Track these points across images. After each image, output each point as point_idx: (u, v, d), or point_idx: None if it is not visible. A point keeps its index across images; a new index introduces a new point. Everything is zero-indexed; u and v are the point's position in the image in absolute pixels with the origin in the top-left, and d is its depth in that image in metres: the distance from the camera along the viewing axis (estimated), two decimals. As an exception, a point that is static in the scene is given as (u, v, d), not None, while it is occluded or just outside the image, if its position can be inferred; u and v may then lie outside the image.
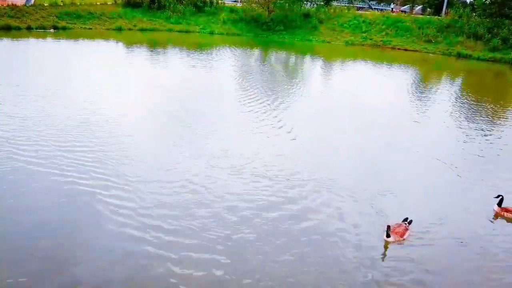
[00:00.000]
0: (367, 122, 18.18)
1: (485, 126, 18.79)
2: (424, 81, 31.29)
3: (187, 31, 50.69)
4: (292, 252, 8.58)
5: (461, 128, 18.47)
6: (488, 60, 42.28)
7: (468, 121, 19.62)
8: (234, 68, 30.34)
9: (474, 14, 49.21)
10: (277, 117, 17.73)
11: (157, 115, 16.97)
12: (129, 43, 39.37)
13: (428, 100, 23.83)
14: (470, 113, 21.39)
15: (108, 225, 9.01)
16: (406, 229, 9.25)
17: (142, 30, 48.95)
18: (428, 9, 66.47)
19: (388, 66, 37.24)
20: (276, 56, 39.07)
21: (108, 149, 12.94)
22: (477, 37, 45.56)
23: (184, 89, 21.97)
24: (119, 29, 47.78)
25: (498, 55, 42.61)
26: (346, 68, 34.93)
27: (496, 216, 10.59)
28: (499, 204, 10.65)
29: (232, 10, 55.98)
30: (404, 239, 9.09)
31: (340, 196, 10.99)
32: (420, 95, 25.30)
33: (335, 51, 45.42)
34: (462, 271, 8.46)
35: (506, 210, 10.53)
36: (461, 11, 49.77)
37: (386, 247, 8.93)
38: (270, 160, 13.04)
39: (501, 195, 10.67)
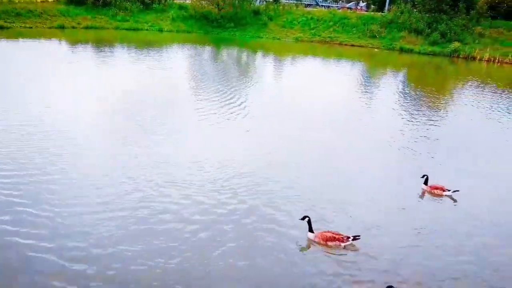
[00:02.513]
0: (320, 116, 18.71)
1: (427, 113, 19.95)
2: (371, 74, 32.60)
3: (135, 29, 49.42)
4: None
5: (405, 115, 19.48)
6: (428, 54, 44.69)
7: (411, 109, 20.72)
8: (185, 65, 30.06)
9: (414, 10, 51.79)
10: (232, 115, 17.77)
11: (104, 118, 16.46)
12: (73, 42, 37.78)
13: (374, 92, 24.90)
14: (413, 102, 22.60)
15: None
16: (338, 240, 8.69)
17: (86, 28, 47.11)
18: (372, 6, 69.10)
19: (337, 61, 38.42)
20: (228, 53, 39.09)
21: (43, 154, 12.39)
22: (417, 32, 47.99)
23: (134, 90, 21.43)
24: (62, 27, 45.68)
25: (437, 48, 45.14)
26: (297, 64, 35.64)
27: (424, 194, 11.40)
28: (425, 182, 11.43)
29: (181, 7, 55.20)
30: (327, 245, 8.72)
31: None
32: (366, 87, 26.36)
33: (285, 47, 46.14)
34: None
35: (435, 187, 11.34)
36: (403, 7, 52.20)
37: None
38: (224, 159, 13.10)
39: (426, 175, 11.47)
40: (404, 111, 20.81)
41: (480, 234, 9.69)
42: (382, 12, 59.12)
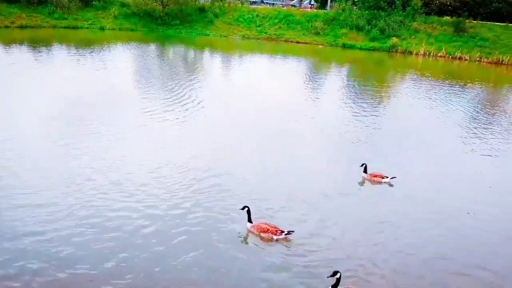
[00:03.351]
0: (268, 111, 19.03)
1: (370, 105, 20.94)
2: (316, 70, 33.54)
3: (74, 27, 47.22)
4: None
5: (349, 107, 20.32)
6: (369, 49, 46.66)
7: (354, 102, 21.64)
8: (131, 65, 29.26)
9: (355, 7, 53.79)
10: (179, 114, 17.65)
11: (44, 122, 15.70)
12: (7, 43, 35.42)
13: (320, 87, 25.70)
14: (357, 95, 23.59)
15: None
16: (271, 232, 8.95)
17: (21, 27, 44.30)
18: (315, 3, 70.85)
19: (283, 58, 39.09)
20: (175, 51, 38.47)
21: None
22: (358, 28, 49.95)
23: (75, 91, 20.59)
24: (-7, 26, 42.69)
25: (377, 44, 47.24)
26: (245, 61, 35.84)
27: (363, 181, 12.09)
28: (365, 171, 12.13)
29: (123, 4, 53.37)
30: (261, 236, 9.01)
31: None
32: (312, 82, 27.14)
33: (233, 45, 46.22)
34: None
35: (375, 175, 12.06)
36: (344, 5, 54.07)
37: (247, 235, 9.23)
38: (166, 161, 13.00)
39: (365, 163, 12.18)
40: (349, 103, 21.73)
41: (416, 211, 10.61)
42: (325, 9, 60.85)
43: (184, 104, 18.90)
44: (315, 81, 27.99)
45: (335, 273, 7.35)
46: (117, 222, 9.16)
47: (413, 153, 14.75)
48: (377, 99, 23.10)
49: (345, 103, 21.73)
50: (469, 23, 47.66)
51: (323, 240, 9.07)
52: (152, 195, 10.36)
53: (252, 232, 9.13)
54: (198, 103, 19.36)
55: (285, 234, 8.91)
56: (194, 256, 8.25)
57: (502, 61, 41.74)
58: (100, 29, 48.37)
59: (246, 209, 9.16)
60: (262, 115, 18.15)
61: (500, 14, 52.66)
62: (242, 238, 9.08)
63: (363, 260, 8.48)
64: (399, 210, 10.60)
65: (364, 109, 20.43)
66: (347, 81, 28.94)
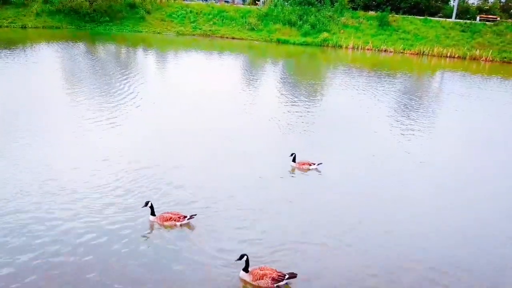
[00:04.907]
0: (207, 106, 19.10)
1: (305, 96, 21.76)
2: (253, 65, 34.03)
3: (-9, 26, 43.73)
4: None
5: (285, 99, 20.97)
6: (302, 44, 48.12)
7: (290, 94, 22.36)
8: (56, 66, 27.76)
9: (286, 3, 55.16)
10: (110, 115, 17.15)
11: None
12: None
13: (256, 81, 26.16)
14: (292, 89, 24.36)
15: None
16: (173, 220, 9.12)
17: None
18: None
19: (220, 54, 39.15)
20: (106, 49, 36.98)
21: None
22: (291, 24, 51.30)
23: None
24: None
25: (309, 39, 48.86)
26: (180, 58, 35.44)
27: (293, 170, 12.75)
28: (294, 160, 12.80)
29: (46, 0, 50.23)
30: (164, 225, 9.13)
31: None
32: (249, 77, 27.57)
33: (167, 41, 45.39)
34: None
35: (303, 163, 12.75)
36: (276, 1, 55.16)
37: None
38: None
39: (294, 153, 12.83)
40: (284, 96, 22.40)
41: (342, 193, 11.42)
42: (257, 5, 61.66)
43: (119, 105, 18.40)
44: (252, 76, 28.44)
45: (242, 256, 7.63)
46: (41, 228, 8.81)
47: (344, 138, 15.72)
48: (312, 91, 24.05)
49: (282, 96, 22.39)
50: (392, 17, 50.86)
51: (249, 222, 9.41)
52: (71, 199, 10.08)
53: (157, 223, 9.22)
54: (133, 104, 18.94)
55: (188, 219, 9.19)
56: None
57: (423, 52, 45.11)
58: (21, 27, 45.27)
59: (150, 204, 9.25)
60: (201, 109, 18.20)
61: (419, 8, 56.87)
62: (147, 232, 9.03)
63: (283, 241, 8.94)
64: (323, 198, 11.12)
65: (300, 101, 21.19)
66: (283, 75, 29.73)
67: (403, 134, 16.87)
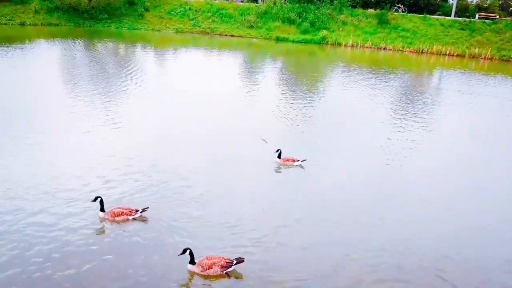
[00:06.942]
0: (206, 103, 19.14)
1: (305, 94, 21.80)
2: (252, 63, 34.03)
3: (-10, 23, 43.55)
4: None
5: (284, 96, 21.01)
6: (301, 42, 48.06)
7: (290, 91, 22.41)
8: (55, 63, 27.70)
9: (285, 1, 55.02)
10: (110, 113, 17.12)
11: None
12: None
13: (256, 79, 26.19)
14: (292, 85, 24.40)
15: None
16: (125, 214, 9.02)
17: None
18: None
19: (219, 52, 39.12)
20: (105, 47, 36.87)
21: None
22: (290, 21, 51.22)
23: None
24: None
25: (308, 36, 48.80)
26: (180, 56, 35.40)
27: (279, 166, 12.76)
28: (279, 156, 12.80)
29: (44, -3, 50.04)
30: (116, 221, 9.00)
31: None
32: (249, 75, 27.59)
33: (166, 39, 45.30)
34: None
35: (287, 160, 12.80)
36: (275, -2, 55.11)
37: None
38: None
39: (280, 149, 12.83)
40: (284, 93, 22.46)
41: (324, 188, 11.58)
42: (256, 3, 61.54)
43: (119, 103, 18.41)
44: (252, 73, 28.46)
45: (184, 250, 7.62)
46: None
47: (343, 135, 15.76)
48: (312, 89, 24.10)
49: (281, 93, 22.48)
50: (391, 15, 50.85)
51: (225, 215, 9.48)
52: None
53: (108, 220, 9.00)
54: (131, 103, 18.96)
55: (141, 212, 9.08)
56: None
57: (422, 50, 45.14)
58: (20, 25, 45.08)
59: (99, 199, 8.99)
60: (200, 106, 18.25)
61: (418, 6, 56.86)
62: (99, 227, 8.86)
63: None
64: (304, 190, 11.33)
65: (299, 98, 21.24)
66: (282, 72, 29.74)
67: (402, 133, 16.93)
